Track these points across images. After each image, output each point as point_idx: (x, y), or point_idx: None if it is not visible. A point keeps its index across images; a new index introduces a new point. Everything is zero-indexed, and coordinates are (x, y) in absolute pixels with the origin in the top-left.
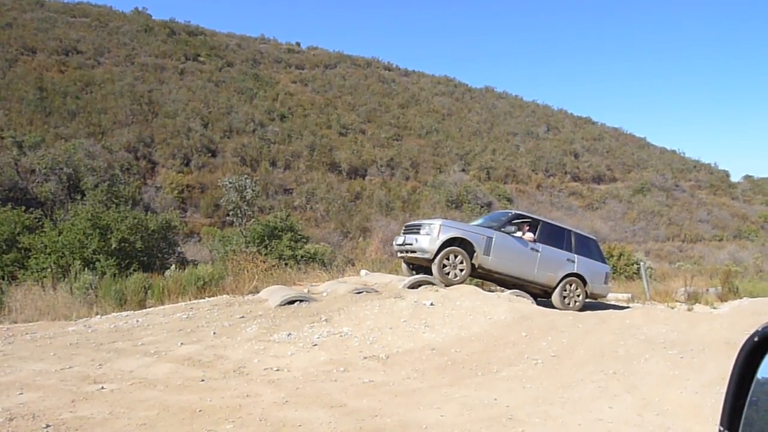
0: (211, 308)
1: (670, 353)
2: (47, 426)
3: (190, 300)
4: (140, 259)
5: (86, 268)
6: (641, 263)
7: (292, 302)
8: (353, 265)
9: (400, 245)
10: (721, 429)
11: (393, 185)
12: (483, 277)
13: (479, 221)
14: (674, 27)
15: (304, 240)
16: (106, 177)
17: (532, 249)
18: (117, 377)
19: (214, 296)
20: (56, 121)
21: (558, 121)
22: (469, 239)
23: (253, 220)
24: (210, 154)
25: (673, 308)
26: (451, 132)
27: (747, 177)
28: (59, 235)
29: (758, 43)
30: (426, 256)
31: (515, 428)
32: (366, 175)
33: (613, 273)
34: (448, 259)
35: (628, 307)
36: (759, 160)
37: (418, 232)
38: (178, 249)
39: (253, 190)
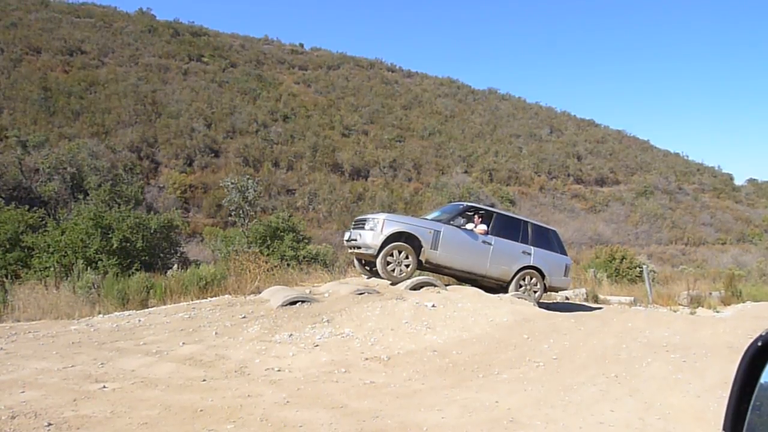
0: (213, 308)
1: (673, 357)
2: (49, 424)
3: (192, 300)
4: (142, 259)
5: (89, 268)
6: (644, 266)
7: (293, 303)
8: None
9: (347, 241)
10: None
11: (395, 186)
12: (433, 272)
13: (433, 214)
14: (678, 29)
15: (306, 241)
16: (109, 177)
17: (483, 242)
18: (119, 376)
19: (216, 296)
20: (60, 120)
21: (561, 123)
22: (415, 233)
23: (256, 220)
24: (213, 155)
25: (675, 312)
26: (453, 133)
27: (751, 180)
28: (62, 235)
29: (763, 45)
30: (370, 251)
31: (516, 431)
32: (368, 176)
33: (616, 276)
34: (392, 255)
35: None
36: (763, 164)
37: (363, 227)
38: (181, 249)
39: (255, 191)
